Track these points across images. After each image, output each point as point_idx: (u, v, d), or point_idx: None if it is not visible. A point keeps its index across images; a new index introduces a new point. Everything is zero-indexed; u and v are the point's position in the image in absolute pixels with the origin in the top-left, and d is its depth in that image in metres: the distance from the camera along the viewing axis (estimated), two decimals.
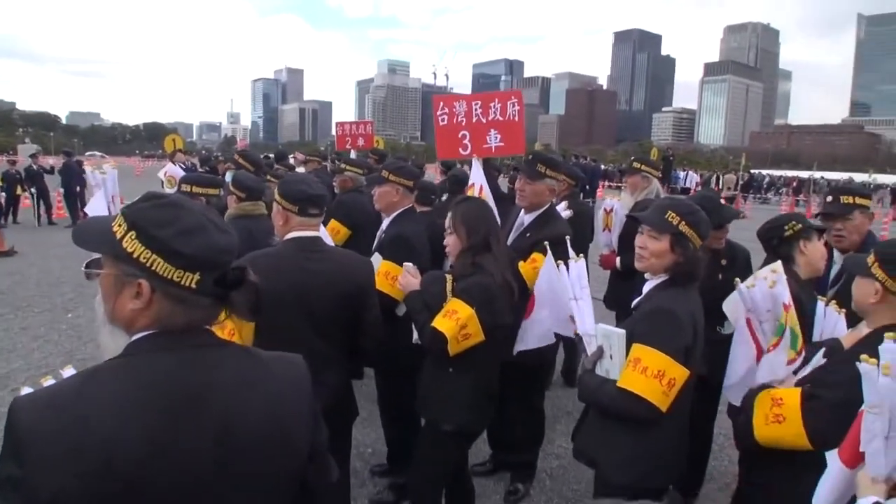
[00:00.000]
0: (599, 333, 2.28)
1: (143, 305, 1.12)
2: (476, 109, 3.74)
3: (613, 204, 4.47)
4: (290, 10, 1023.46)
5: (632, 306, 2.38)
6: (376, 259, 3.24)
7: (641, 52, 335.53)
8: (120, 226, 1.14)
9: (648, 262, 2.26)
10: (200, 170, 10.00)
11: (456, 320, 2.50)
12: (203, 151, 23.21)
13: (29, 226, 15.07)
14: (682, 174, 36.64)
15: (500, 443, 3.90)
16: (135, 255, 1.11)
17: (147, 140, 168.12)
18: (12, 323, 7.04)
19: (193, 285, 1.13)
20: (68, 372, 1.59)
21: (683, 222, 2.20)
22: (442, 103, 3.78)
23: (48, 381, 1.40)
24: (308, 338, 2.37)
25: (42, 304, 7.90)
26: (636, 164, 4.51)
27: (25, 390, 1.23)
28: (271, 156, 9.89)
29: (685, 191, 31.48)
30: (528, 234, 3.37)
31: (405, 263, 2.85)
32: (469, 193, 3.64)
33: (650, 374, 2.05)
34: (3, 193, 14.65)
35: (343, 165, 5.11)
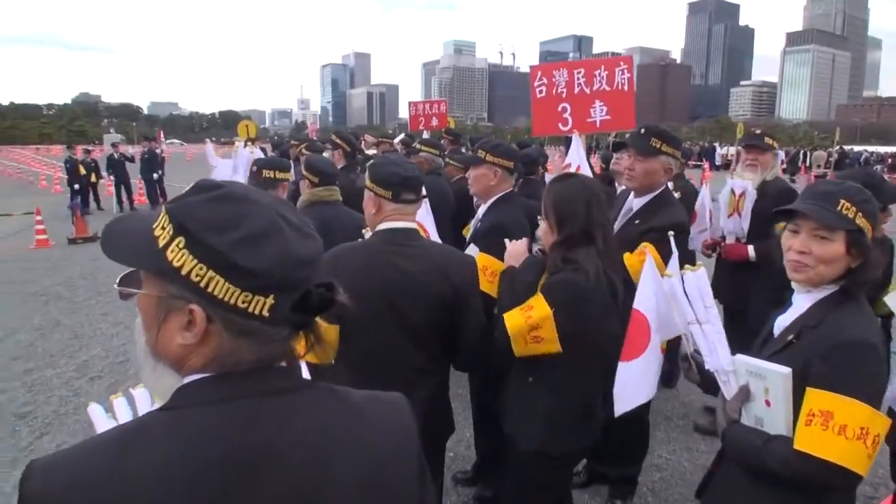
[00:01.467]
0: (742, 370, 1.74)
1: (197, 340, 0.81)
2: (579, 79, 3.28)
3: (746, 185, 3.92)
4: None
5: (775, 328, 1.82)
6: (472, 251, 2.89)
7: (718, 24, 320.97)
8: (164, 228, 0.81)
9: (815, 272, 1.68)
10: (272, 154, 9.93)
11: (527, 318, 2.11)
12: (275, 137, 23.57)
13: (112, 213, 15.56)
14: (717, 148, 34.41)
15: (597, 453, 3.50)
16: (184, 271, 0.79)
17: (223, 127, 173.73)
18: (94, 308, 7.14)
19: (266, 313, 0.81)
20: (140, 394, 1.29)
21: (860, 213, 1.65)
22: (540, 73, 3.31)
23: (117, 400, 1.29)
24: (401, 347, 2.09)
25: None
26: (769, 140, 3.96)
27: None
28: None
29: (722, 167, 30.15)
30: (636, 222, 2.93)
31: (512, 242, 2.49)
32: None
33: (851, 435, 1.49)
34: (77, 183, 15.10)
35: (418, 146, 4.80)
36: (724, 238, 4.10)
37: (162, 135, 28.59)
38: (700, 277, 1.95)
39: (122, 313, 6.92)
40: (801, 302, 1.76)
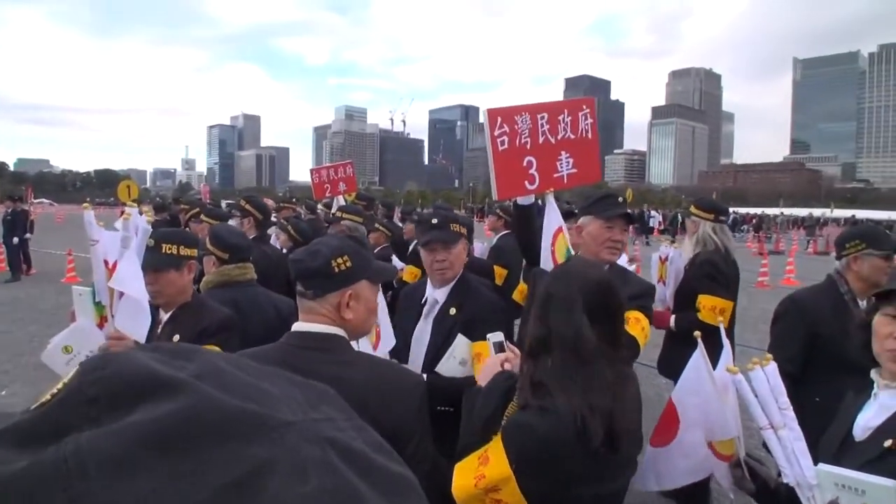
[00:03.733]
0: (828, 482, 1.43)
1: None
2: (542, 125, 2.75)
3: (669, 252, 3.77)
4: (249, 59, 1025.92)
5: (857, 429, 1.54)
6: (462, 344, 2.46)
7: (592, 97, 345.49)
8: None
9: None
10: (155, 218, 9.02)
11: (478, 478, 1.51)
12: (157, 198, 22.02)
13: None
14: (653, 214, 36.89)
15: None
16: None
17: (98, 187, 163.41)
18: None
19: None
20: None
21: None
22: (500, 119, 2.64)
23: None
24: None
25: None
26: (694, 209, 3.84)
27: None
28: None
29: (649, 230, 31.68)
30: None
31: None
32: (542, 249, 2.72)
33: None
34: None
35: (339, 213, 4.33)
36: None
37: (32, 193, 26.01)
38: (772, 374, 1.62)
39: None
40: (892, 399, 1.46)
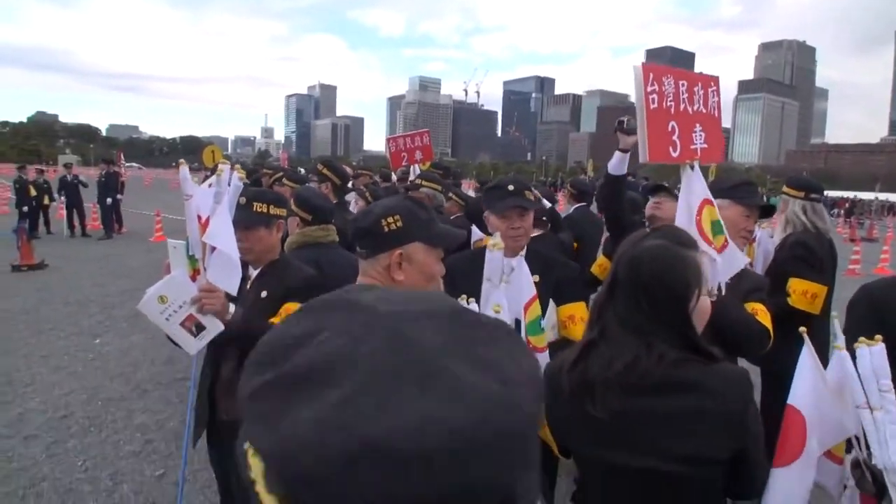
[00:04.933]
0: None
1: None
2: (682, 93, 2.62)
3: (757, 233, 3.53)
4: (326, 29, 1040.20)
5: None
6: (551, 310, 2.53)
7: None
8: None
9: None
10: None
11: None
12: (239, 164, 22.70)
13: (62, 238, 14.59)
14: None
15: None
16: None
17: (184, 153, 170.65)
18: (33, 350, 6.32)
19: None
20: None
21: None
22: (651, 76, 2.49)
23: None
24: None
25: (68, 327, 7.20)
26: (785, 187, 3.58)
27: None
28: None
29: None
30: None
31: None
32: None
33: None
34: (26, 205, 14.15)
35: (419, 181, 4.29)
36: None
37: (122, 157, 27.35)
38: (878, 354, 1.55)
39: (67, 357, 6.15)
40: None
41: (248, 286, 2.41)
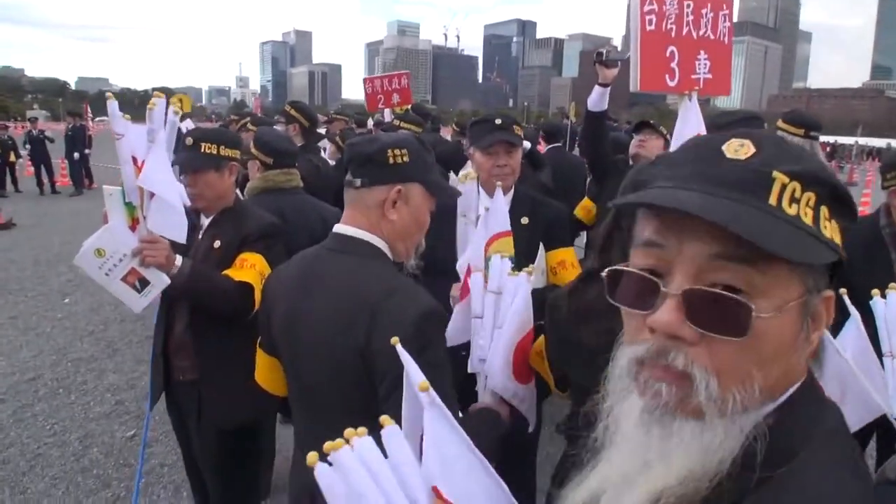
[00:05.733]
0: None
1: None
2: (687, 15, 2.33)
3: None
4: None
5: None
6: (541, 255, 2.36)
7: None
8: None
9: None
10: None
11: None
12: (213, 115, 22.10)
13: (31, 195, 14.11)
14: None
15: None
16: None
17: None
18: (1, 311, 6.08)
19: None
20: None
21: None
22: None
23: None
24: None
25: (36, 286, 6.95)
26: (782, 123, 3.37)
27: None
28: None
29: None
30: None
31: None
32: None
33: None
34: None
35: (397, 122, 4.05)
36: None
37: (89, 110, 26.37)
38: (892, 303, 1.42)
39: (35, 317, 5.93)
40: None
41: (200, 235, 2.20)
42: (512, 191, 2.41)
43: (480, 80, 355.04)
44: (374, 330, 1.28)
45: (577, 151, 6.15)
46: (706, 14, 2.38)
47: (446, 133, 8.50)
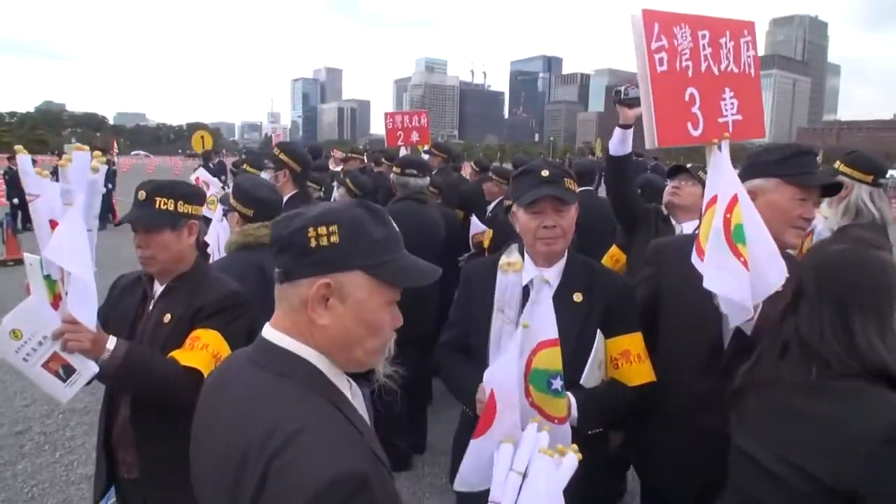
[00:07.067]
0: None
1: None
2: (704, 47, 1.89)
3: (817, 222, 2.96)
4: (330, 11, 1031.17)
5: None
6: (600, 342, 1.99)
7: None
8: None
9: None
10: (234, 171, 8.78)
11: None
12: (244, 149, 22.28)
13: None
14: None
15: None
16: None
17: (189, 139, 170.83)
18: None
19: None
20: None
21: None
22: (657, 27, 1.83)
23: None
24: None
25: None
26: (846, 167, 2.98)
27: None
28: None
29: None
30: None
31: None
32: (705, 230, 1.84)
33: None
34: (17, 197, 13.69)
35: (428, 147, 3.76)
36: None
37: (116, 145, 26.76)
38: None
39: None
40: None
41: (151, 307, 1.90)
42: (564, 259, 2.01)
43: (507, 116, 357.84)
44: (259, 499, 0.92)
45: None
46: (726, 44, 1.97)
47: (466, 171, 8.27)
